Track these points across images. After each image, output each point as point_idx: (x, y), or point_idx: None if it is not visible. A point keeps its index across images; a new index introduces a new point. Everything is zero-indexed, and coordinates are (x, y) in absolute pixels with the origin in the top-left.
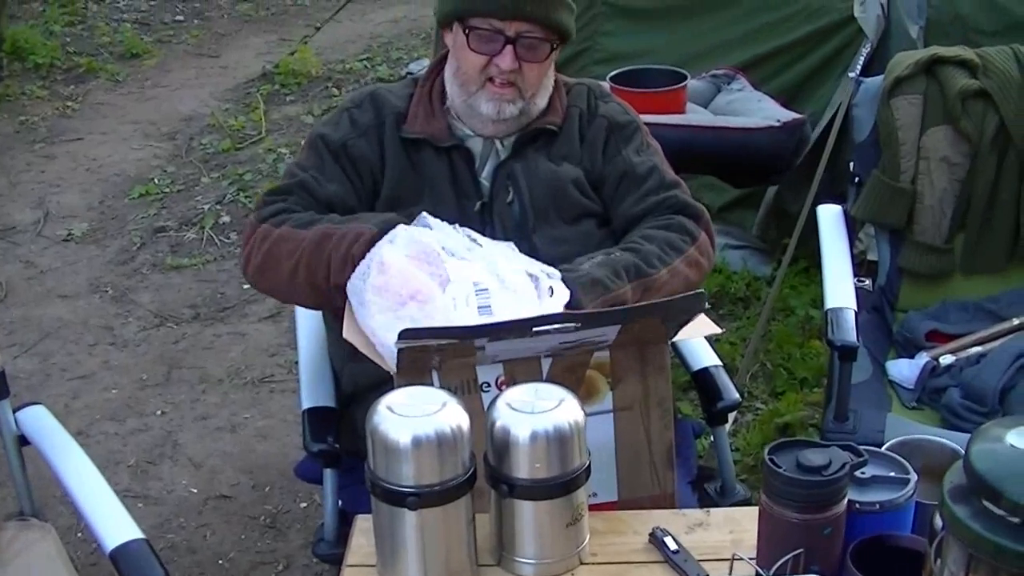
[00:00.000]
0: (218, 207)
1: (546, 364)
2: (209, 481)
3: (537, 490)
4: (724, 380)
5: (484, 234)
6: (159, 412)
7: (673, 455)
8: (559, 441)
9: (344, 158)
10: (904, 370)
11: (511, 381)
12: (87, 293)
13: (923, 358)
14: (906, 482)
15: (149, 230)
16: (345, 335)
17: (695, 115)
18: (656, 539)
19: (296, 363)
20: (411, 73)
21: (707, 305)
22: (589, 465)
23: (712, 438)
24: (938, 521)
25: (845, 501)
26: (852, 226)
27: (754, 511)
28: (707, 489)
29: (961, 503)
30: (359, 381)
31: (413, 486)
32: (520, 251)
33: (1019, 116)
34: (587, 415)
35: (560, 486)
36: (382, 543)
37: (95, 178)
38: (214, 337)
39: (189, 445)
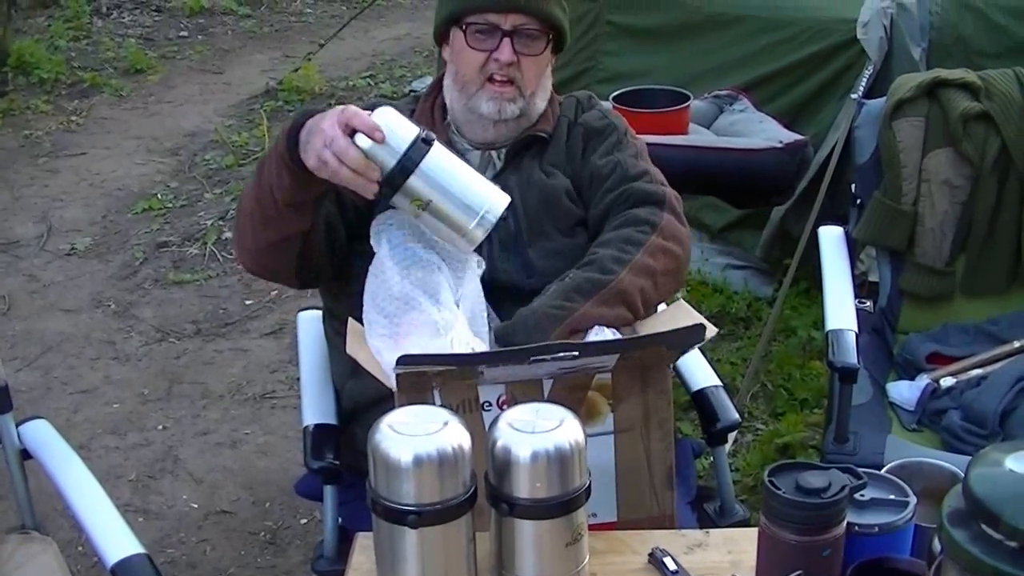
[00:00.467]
0: (221, 223)
1: (547, 385)
2: (210, 496)
3: (537, 509)
4: (724, 401)
5: (480, 249)
6: (160, 427)
7: (673, 476)
8: (560, 461)
9: None
10: (904, 392)
11: (512, 401)
12: (89, 307)
13: (924, 380)
14: (905, 505)
15: (152, 245)
16: (348, 351)
17: (697, 136)
18: (655, 559)
19: (297, 379)
20: (415, 91)
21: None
22: (589, 485)
23: (712, 458)
24: (937, 544)
25: (844, 523)
26: (853, 247)
27: (753, 532)
28: (706, 509)
29: (959, 527)
30: (359, 398)
31: (414, 504)
32: (514, 266)
33: (1021, 139)
34: (588, 436)
35: (560, 506)
36: (382, 561)
37: (98, 193)
38: (215, 353)
39: (190, 460)
